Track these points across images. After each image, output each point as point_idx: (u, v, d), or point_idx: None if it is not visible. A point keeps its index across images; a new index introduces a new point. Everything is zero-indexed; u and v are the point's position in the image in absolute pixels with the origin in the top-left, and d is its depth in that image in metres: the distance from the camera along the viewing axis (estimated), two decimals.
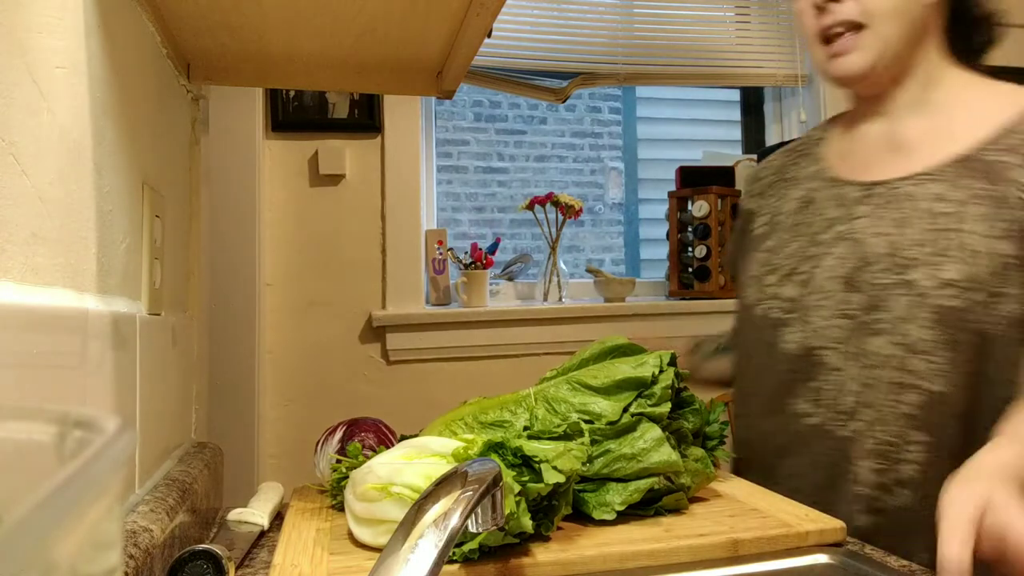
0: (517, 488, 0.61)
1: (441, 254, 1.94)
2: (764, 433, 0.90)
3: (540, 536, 0.66)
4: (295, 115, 1.83)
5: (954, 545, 0.50)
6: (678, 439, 0.76)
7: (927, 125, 0.84)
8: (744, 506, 0.76)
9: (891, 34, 0.80)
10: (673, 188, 2.12)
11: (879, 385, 0.79)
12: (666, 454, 0.71)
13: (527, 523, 0.61)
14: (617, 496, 0.70)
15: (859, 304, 0.81)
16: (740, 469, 0.95)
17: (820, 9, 0.81)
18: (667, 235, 2.12)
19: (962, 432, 0.77)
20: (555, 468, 0.63)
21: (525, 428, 0.71)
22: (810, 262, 0.86)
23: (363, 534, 0.67)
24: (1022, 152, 0.77)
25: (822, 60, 0.85)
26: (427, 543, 0.43)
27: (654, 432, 0.72)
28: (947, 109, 0.83)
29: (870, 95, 0.87)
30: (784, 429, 0.88)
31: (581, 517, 0.72)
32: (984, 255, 0.75)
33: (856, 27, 0.80)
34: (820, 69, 0.87)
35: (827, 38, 0.83)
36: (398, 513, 0.62)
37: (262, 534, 0.81)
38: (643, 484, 0.71)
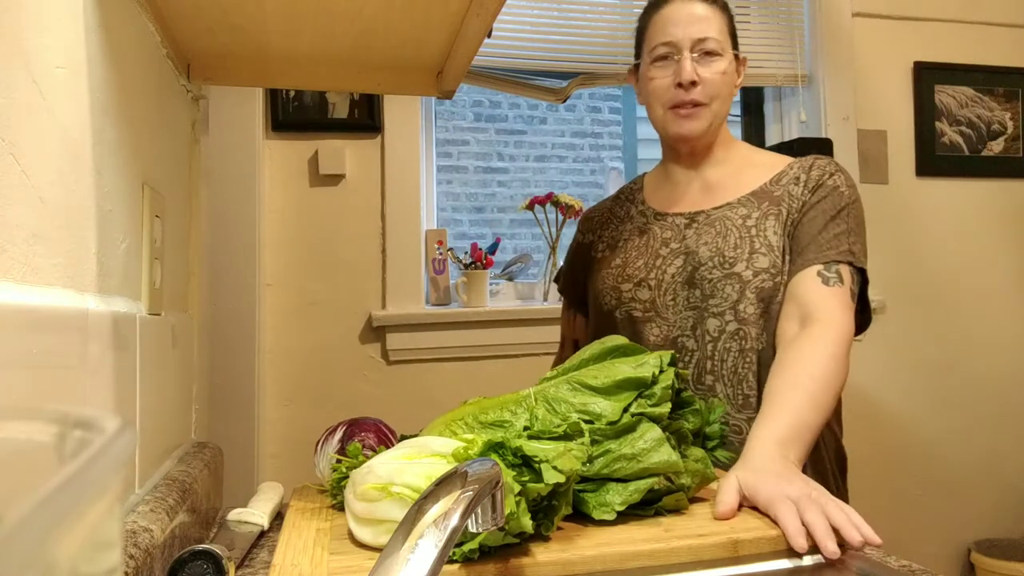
0: (517, 488, 0.61)
1: (441, 254, 1.94)
2: None
3: (540, 536, 0.66)
4: (295, 115, 1.83)
5: (729, 499, 0.75)
6: (678, 439, 0.76)
7: (728, 174, 1.19)
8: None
9: (718, 112, 1.16)
10: None
11: (726, 356, 1.07)
12: (666, 454, 0.71)
13: (527, 523, 0.61)
14: (617, 496, 0.70)
15: (699, 296, 1.11)
16: None
17: (682, 88, 1.13)
18: None
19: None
20: (555, 468, 0.63)
21: (525, 428, 0.71)
22: (656, 271, 1.15)
23: (363, 534, 0.67)
24: (802, 182, 1.14)
25: (671, 121, 1.16)
26: (427, 543, 0.43)
27: (654, 432, 0.72)
28: (739, 164, 1.20)
29: (690, 153, 1.20)
30: None
31: (581, 517, 0.72)
32: (777, 247, 1.09)
33: (698, 104, 1.14)
34: (665, 126, 1.18)
35: (675, 109, 1.15)
36: (398, 513, 0.62)
37: (262, 534, 0.81)
38: (643, 484, 0.71)
